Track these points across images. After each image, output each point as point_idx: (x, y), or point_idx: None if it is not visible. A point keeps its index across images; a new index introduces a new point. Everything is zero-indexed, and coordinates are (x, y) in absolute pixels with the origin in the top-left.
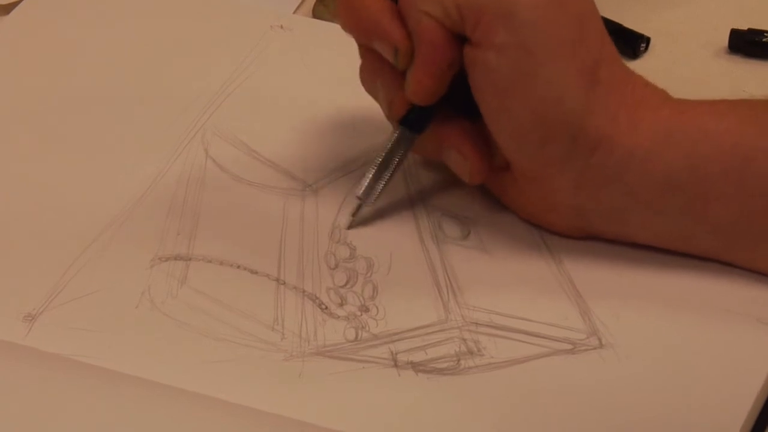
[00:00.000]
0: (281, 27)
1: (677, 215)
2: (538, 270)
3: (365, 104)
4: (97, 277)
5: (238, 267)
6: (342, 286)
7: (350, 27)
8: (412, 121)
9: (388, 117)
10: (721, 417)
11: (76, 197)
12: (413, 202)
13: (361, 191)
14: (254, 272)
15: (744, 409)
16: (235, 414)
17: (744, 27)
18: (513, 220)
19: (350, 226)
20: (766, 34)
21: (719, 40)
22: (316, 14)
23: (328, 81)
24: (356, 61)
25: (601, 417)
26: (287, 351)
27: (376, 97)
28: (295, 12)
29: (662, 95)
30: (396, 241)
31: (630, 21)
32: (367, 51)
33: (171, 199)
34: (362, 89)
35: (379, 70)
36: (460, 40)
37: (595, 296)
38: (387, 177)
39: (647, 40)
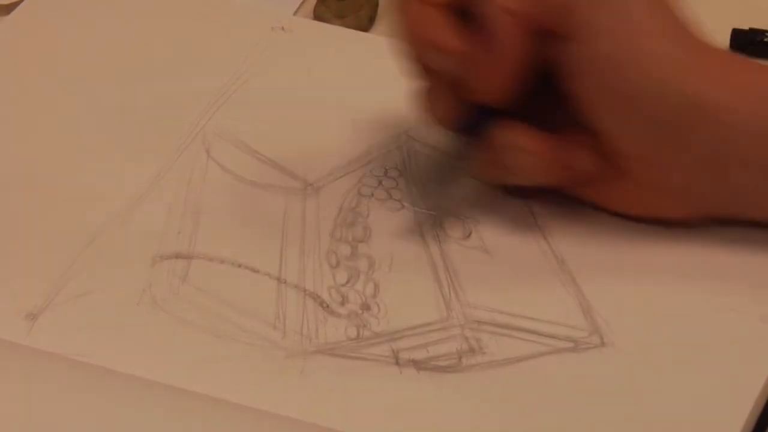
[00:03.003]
0: (282, 29)
1: None
2: (540, 268)
3: (366, 104)
4: (99, 276)
5: (240, 265)
6: (343, 285)
7: (406, 37)
8: (468, 131)
9: (448, 128)
10: (723, 416)
11: (77, 196)
12: (415, 201)
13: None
14: (255, 270)
15: (746, 408)
16: (237, 412)
17: (745, 27)
18: (515, 219)
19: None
20: (767, 33)
21: (720, 39)
22: (317, 15)
23: (329, 82)
24: (356, 61)
25: (602, 415)
26: (288, 349)
27: (433, 115)
28: (295, 13)
29: (748, 59)
30: (397, 240)
31: None
32: (428, 72)
33: (172, 197)
34: (364, 89)
35: (436, 82)
36: (538, 37)
37: (597, 294)
38: (442, 188)
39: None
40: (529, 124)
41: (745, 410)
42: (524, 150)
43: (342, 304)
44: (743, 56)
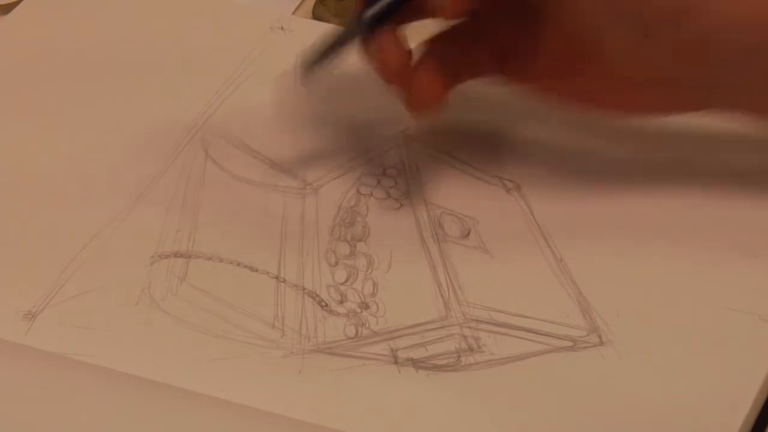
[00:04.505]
0: (281, 28)
1: (756, 75)
2: (539, 268)
3: (365, 104)
4: (97, 275)
5: (238, 264)
6: (342, 284)
7: None
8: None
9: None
10: (722, 414)
11: (76, 195)
12: (413, 200)
13: (303, 64)
14: (254, 270)
15: (744, 406)
16: (235, 411)
17: None
18: (513, 218)
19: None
20: None
21: None
22: (316, 14)
23: (328, 81)
24: (353, 61)
25: (601, 414)
26: (287, 348)
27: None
28: (294, 12)
29: None
30: (396, 238)
31: None
32: None
33: (171, 196)
34: (363, 88)
35: None
36: None
37: (596, 293)
38: (329, 56)
39: None
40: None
41: (743, 409)
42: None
43: (341, 303)
44: None
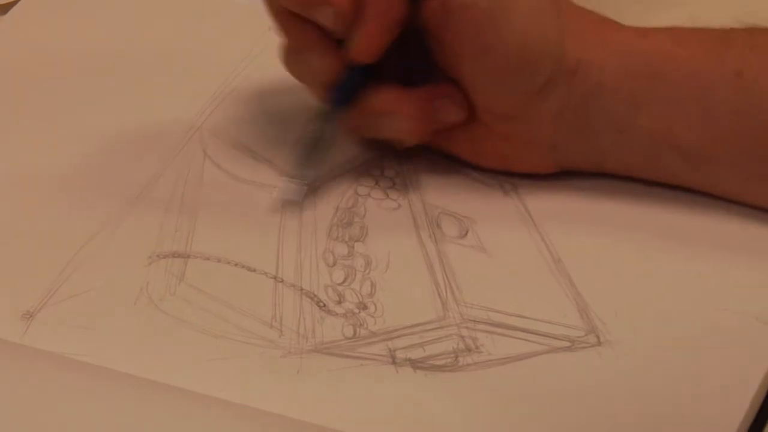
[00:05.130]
0: None
1: (645, 138)
2: (536, 267)
3: None
4: (95, 275)
5: (236, 264)
6: (340, 284)
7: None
8: (341, 93)
9: (317, 91)
10: (719, 415)
11: (75, 195)
12: (411, 200)
13: (292, 170)
14: (252, 270)
15: (742, 407)
16: (233, 411)
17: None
18: (511, 218)
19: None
20: None
21: None
22: None
23: None
24: None
25: (599, 414)
26: (285, 348)
27: (303, 77)
28: None
29: (617, 22)
30: (394, 239)
31: (629, 20)
32: (294, 26)
33: (169, 196)
34: None
35: (311, 42)
36: None
37: (593, 293)
38: (316, 156)
39: None
40: (397, 82)
41: (741, 409)
42: (395, 114)
43: (339, 303)
44: (611, 18)
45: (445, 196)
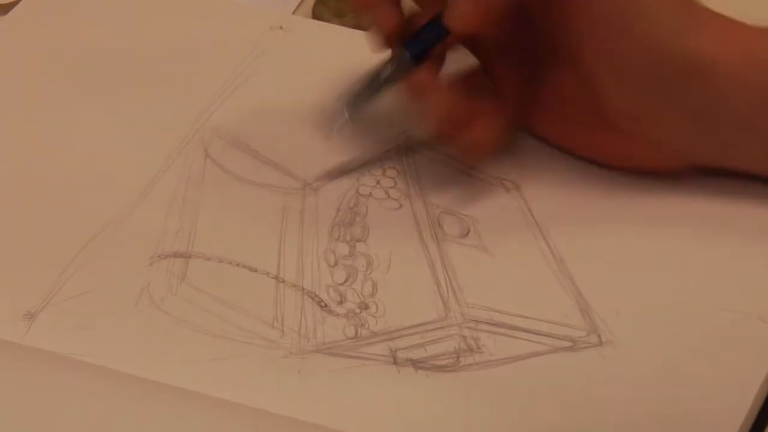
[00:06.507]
0: (281, 28)
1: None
2: (538, 267)
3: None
4: (97, 275)
5: (238, 264)
6: (341, 284)
7: None
8: (415, 46)
9: (385, 40)
10: (721, 414)
11: (76, 195)
12: (412, 199)
13: (346, 101)
14: (254, 270)
15: (744, 406)
16: (234, 411)
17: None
18: (513, 217)
19: (328, 135)
20: None
21: None
22: (316, 14)
23: (328, 81)
24: (355, 61)
25: (600, 414)
26: (287, 348)
27: (378, 12)
28: (294, 12)
29: (743, 22)
30: (395, 238)
31: None
32: None
33: (170, 197)
34: None
35: None
36: None
37: (595, 293)
38: (373, 93)
39: None
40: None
41: (743, 409)
42: (425, 99)
43: (340, 303)
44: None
45: (447, 196)
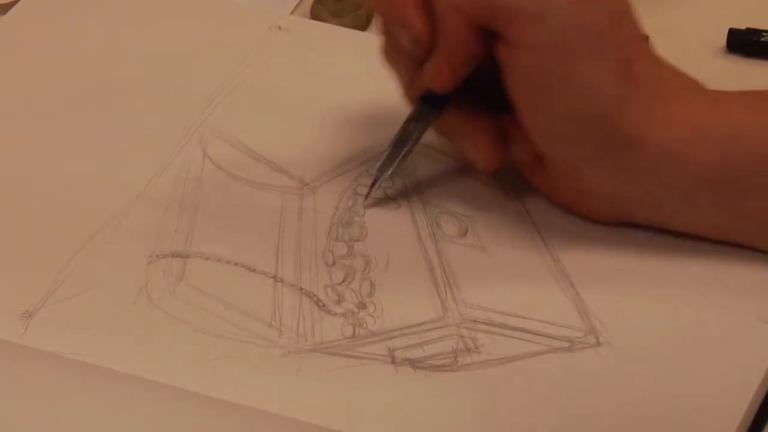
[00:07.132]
0: (279, 28)
1: (712, 208)
2: (536, 268)
3: (363, 104)
4: (95, 274)
5: (236, 264)
6: (339, 284)
7: (378, 7)
8: (432, 99)
9: (406, 95)
10: (719, 414)
11: (74, 195)
12: (411, 199)
13: (378, 165)
14: (252, 269)
15: (742, 407)
16: (232, 411)
17: (742, 26)
18: (511, 218)
19: (366, 202)
20: (764, 33)
21: (717, 39)
22: (315, 14)
23: (326, 81)
24: (353, 60)
25: (598, 414)
26: (285, 347)
27: (396, 70)
28: (292, 12)
29: (694, 87)
30: (394, 238)
31: None
32: (387, 32)
33: (169, 196)
34: (361, 88)
35: (399, 52)
36: (486, 35)
37: (593, 294)
38: (404, 153)
39: (645, 39)
40: (481, 105)
41: (741, 409)
42: (468, 139)
43: (338, 302)
44: (683, 74)
45: (445, 196)
